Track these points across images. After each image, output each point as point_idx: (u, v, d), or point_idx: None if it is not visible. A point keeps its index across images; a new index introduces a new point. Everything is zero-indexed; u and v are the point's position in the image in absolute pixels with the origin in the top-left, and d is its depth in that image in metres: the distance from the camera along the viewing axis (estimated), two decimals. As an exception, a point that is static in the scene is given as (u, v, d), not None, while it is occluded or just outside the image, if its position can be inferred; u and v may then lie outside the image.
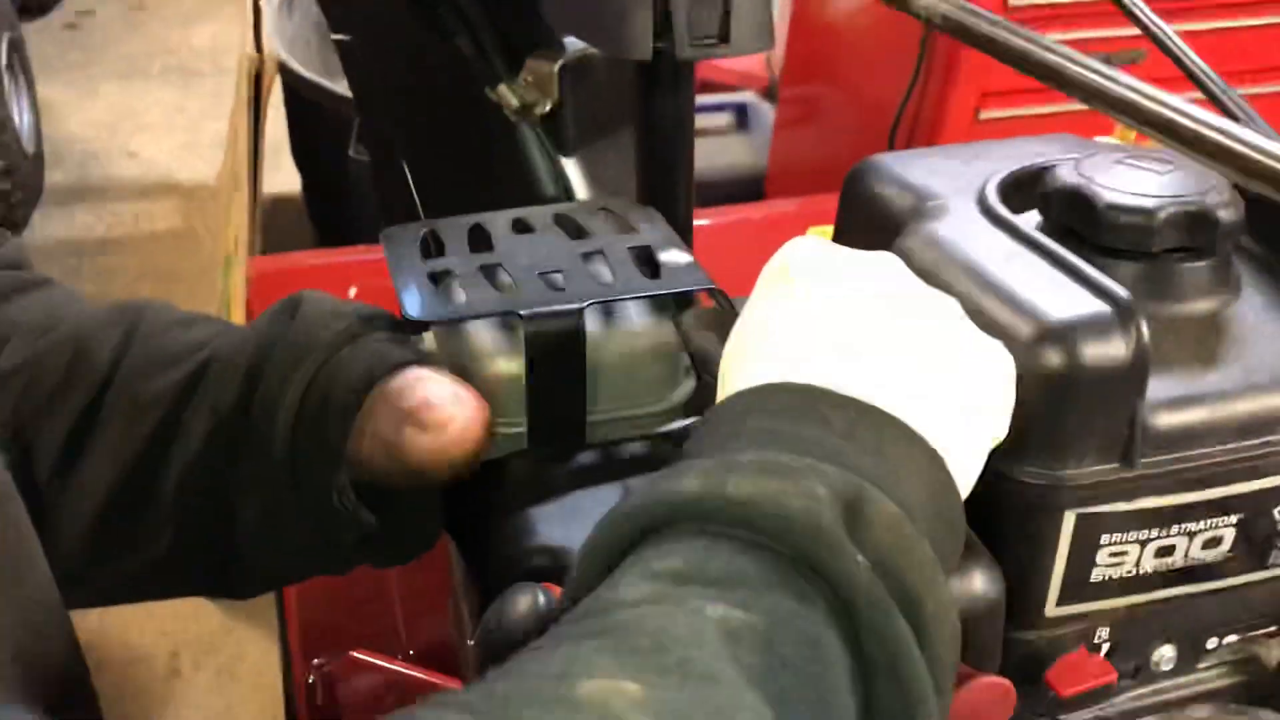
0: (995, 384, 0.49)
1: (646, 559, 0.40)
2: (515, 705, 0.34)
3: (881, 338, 0.47)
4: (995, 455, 0.53)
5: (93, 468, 0.58)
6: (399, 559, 0.62)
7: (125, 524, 0.59)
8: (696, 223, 0.76)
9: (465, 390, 0.56)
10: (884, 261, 0.51)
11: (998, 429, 0.50)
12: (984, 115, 1.63)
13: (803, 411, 0.44)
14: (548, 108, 0.80)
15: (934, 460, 0.45)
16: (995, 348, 0.50)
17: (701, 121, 2.24)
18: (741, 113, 2.34)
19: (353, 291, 1.16)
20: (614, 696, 0.34)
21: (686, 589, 0.38)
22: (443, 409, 0.55)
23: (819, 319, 0.48)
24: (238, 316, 1.54)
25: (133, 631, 1.54)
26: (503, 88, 0.80)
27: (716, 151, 2.19)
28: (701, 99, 2.29)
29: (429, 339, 0.62)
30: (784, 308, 0.49)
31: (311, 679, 1.00)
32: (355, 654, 0.91)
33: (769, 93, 2.29)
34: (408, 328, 0.64)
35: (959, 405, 0.47)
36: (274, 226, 2.28)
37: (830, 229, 0.71)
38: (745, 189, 2.03)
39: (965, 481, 0.47)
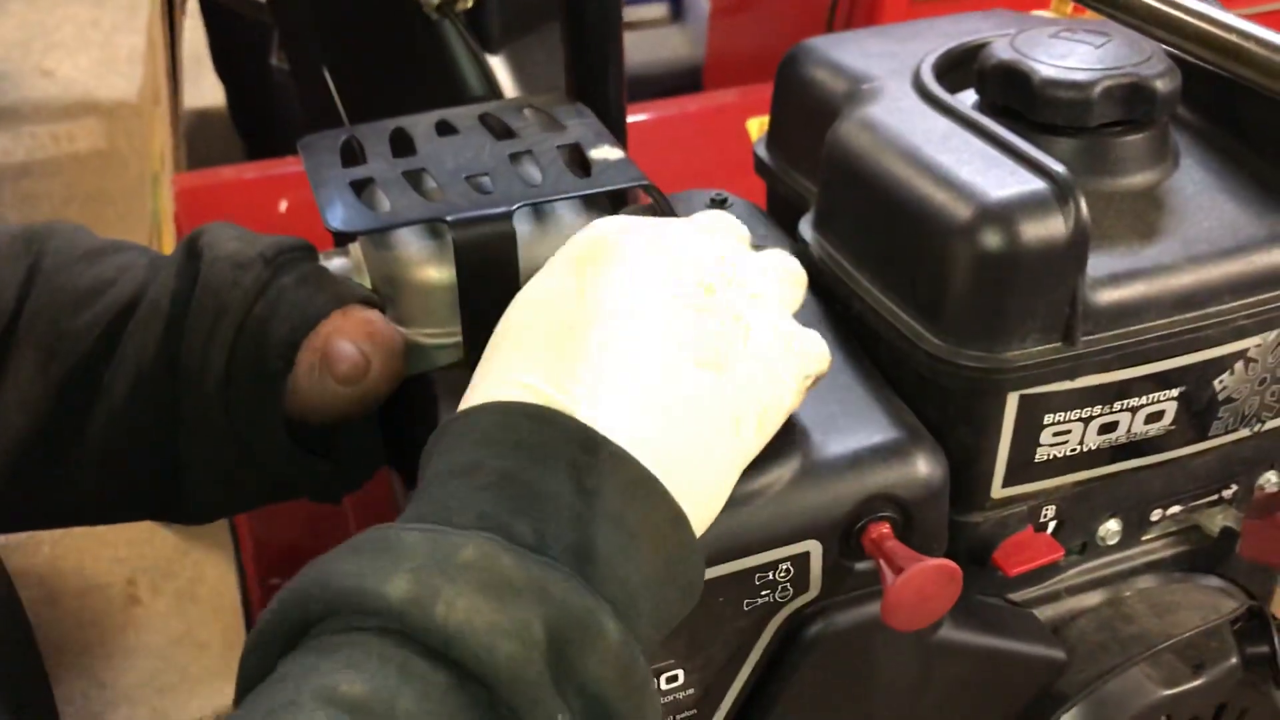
0: (784, 384, 0.47)
1: (330, 664, 0.36)
2: None
3: (660, 352, 0.44)
4: (937, 340, 0.53)
5: (3, 412, 0.57)
6: (347, 490, 0.61)
7: (45, 472, 0.58)
8: (633, 118, 0.74)
9: (376, 327, 0.57)
10: (691, 240, 0.47)
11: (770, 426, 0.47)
12: (922, -6, 1.60)
13: (547, 454, 0.41)
14: (470, 3, 0.77)
15: (677, 522, 0.42)
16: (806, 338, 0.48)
17: (636, 13, 2.21)
18: (677, 2, 2.29)
19: (284, 205, 1.13)
20: None
21: None
22: (355, 359, 0.56)
23: (588, 319, 0.44)
24: (168, 235, 1.51)
25: (87, 560, 1.53)
26: (422, -16, 0.77)
27: (653, 43, 2.15)
28: (635, -10, 2.23)
29: (355, 250, 0.61)
30: (557, 300, 0.45)
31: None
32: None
33: (704, -19, 2.24)
34: (334, 240, 0.62)
35: (729, 417, 0.45)
36: (199, 141, 2.22)
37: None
38: (683, 82, 1.99)
39: (713, 510, 0.46)
